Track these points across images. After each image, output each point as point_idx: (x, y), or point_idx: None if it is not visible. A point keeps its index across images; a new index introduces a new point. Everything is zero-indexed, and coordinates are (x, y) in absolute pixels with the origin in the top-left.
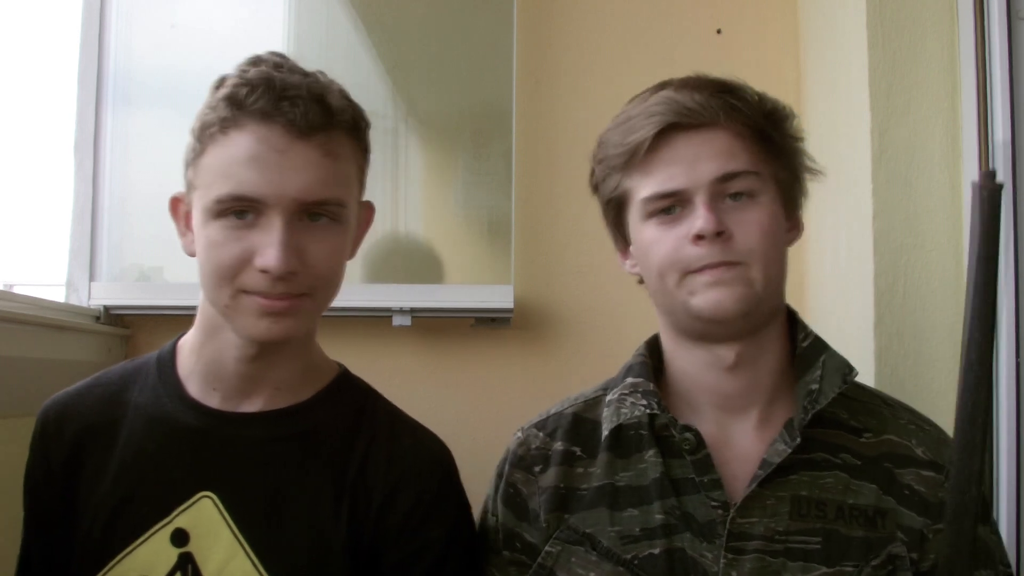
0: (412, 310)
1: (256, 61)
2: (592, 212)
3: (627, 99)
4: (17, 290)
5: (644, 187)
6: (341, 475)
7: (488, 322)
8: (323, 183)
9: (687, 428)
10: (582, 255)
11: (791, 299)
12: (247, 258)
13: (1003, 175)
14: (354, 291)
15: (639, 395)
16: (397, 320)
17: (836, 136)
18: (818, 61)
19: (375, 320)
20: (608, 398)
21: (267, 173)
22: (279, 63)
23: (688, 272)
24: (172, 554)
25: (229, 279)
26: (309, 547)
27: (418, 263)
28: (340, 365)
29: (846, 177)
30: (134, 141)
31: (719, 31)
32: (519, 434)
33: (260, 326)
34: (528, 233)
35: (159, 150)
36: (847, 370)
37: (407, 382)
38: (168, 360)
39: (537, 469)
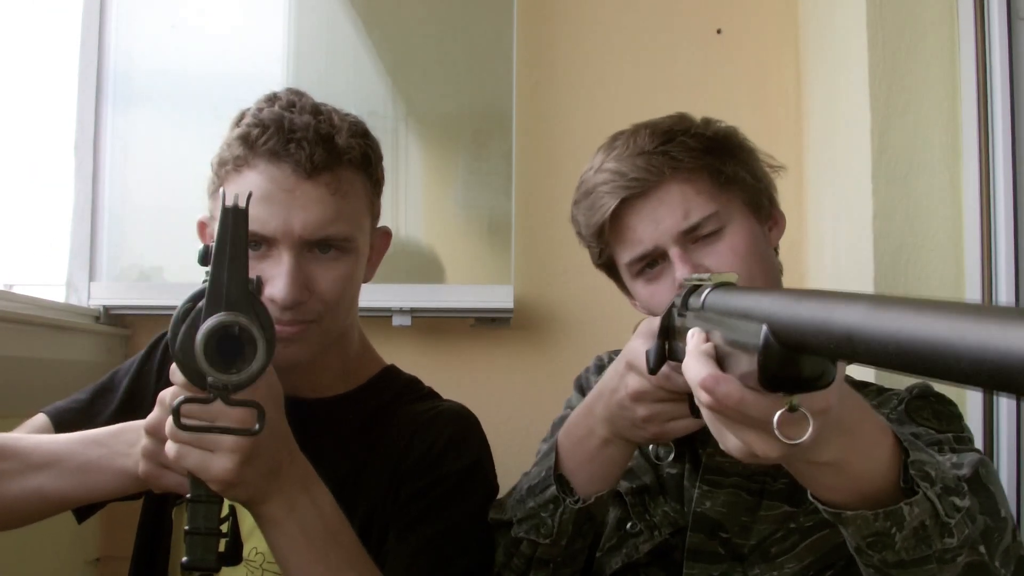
0: (412, 310)
1: (272, 99)
2: None
3: (627, 99)
4: (17, 290)
5: (621, 254)
6: (361, 453)
7: (488, 322)
8: (329, 220)
9: None
10: (582, 255)
11: None
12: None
13: (1003, 175)
14: None
15: None
16: (397, 320)
17: (836, 136)
18: (818, 61)
19: (375, 320)
20: None
21: (276, 211)
22: (293, 102)
23: None
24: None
25: None
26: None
27: (418, 263)
28: (387, 366)
29: (846, 177)
30: (134, 141)
31: (719, 31)
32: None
33: None
34: (528, 233)
35: (159, 150)
36: None
37: None
38: None
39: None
